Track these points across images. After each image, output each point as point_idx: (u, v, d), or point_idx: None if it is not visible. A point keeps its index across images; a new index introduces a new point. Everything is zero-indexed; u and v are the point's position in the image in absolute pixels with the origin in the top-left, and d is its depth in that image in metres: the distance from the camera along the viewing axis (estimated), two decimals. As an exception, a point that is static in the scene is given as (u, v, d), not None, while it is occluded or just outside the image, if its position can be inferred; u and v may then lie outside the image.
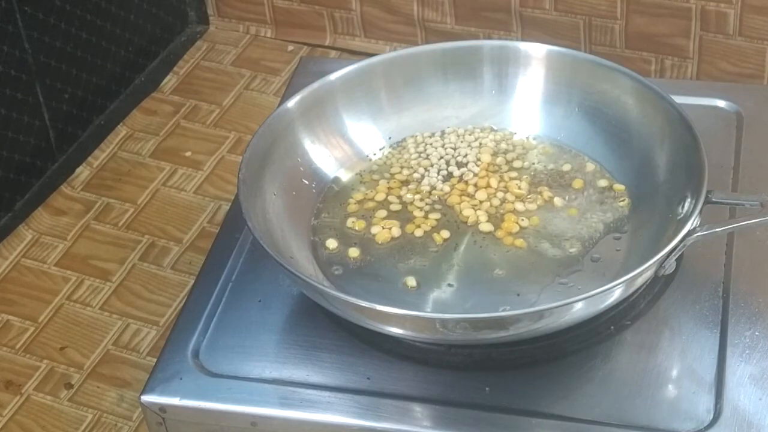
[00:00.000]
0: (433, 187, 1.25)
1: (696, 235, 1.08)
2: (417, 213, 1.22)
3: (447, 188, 1.24)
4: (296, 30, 2.18)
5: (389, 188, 1.25)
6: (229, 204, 1.34)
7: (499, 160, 1.27)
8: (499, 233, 1.19)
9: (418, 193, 1.24)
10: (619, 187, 1.23)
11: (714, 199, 1.12)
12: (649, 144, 1.22)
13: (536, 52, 1.29)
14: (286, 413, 1.07)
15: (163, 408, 1.09)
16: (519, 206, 1.21)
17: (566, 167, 1.26)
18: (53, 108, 1.92)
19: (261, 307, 1.16)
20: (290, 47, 2.18)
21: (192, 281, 1.26)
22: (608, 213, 1.20)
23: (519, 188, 1.23)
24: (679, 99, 1.21)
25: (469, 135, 1.30)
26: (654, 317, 1.12)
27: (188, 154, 1.96)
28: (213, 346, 1.13)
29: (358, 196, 1.25)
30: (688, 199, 1.12)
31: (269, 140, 1.22)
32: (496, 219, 1.20)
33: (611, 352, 1.10)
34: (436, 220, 1.21)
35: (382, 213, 1.22)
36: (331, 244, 1.19)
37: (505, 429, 1.04)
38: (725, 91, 1.37)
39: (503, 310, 1.06)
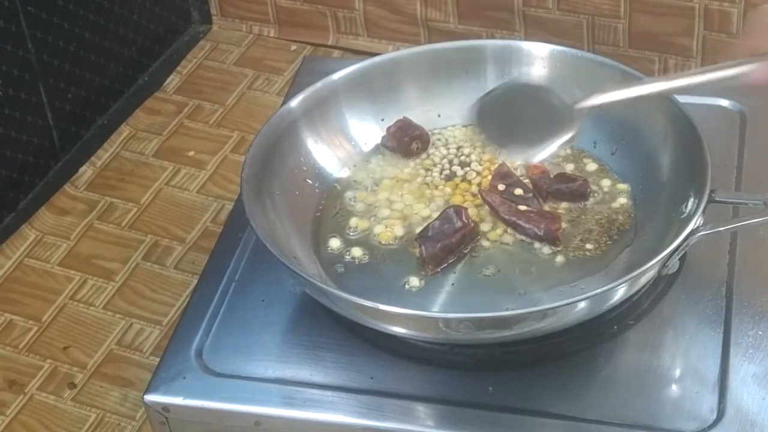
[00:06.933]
0: (436, 187, 1.25)
1: (699, 234, 1.08)
2: (420, 212, 1.22)
3: (450, 188, 1.24)
4: (299, 29, 2.18)
5: (392, 187, 1.25)
6: (232, 203, 1.34)
7: (502, 159, 1.27)
8: (502, 232, 1.18)
9: (421, 192, 1.24)
10: (623, 186, 1.23)
11: (717, 199, 1.12)
12: (653, 143, 1.22)
13: (539, 52, 1.29)
14: (289, 413, 1.07)
15: (166, 407, 1.09)
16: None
17: (569, 167, 1.25)
18: (56, 108, 1.92)
19: (264, 306, 1.16)
20: (293, 47, 2.18)
21: (195, 281, 1.26)
22: (611, 212, 1.20)
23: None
24: (682, 98, 1.21)
25: (473, 134, 1.30)
26: (657, 317, 1.12)
27: (191, 153, 1.96)
28: (216, 346, 1.13)
29: (361, 195, 1.24)
30: (692, 199, 1.12)
31: (272, 140, 1.22)
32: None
33: (614, 352, 1.10)
34: (439, 219, 1.21)
35: (385, 212, 1.22)
36: (334, 243, 1.19)
37: (509, 428, 1.04)
38: (729, 90, 1.37)
39: (506, 310, 1.06)
